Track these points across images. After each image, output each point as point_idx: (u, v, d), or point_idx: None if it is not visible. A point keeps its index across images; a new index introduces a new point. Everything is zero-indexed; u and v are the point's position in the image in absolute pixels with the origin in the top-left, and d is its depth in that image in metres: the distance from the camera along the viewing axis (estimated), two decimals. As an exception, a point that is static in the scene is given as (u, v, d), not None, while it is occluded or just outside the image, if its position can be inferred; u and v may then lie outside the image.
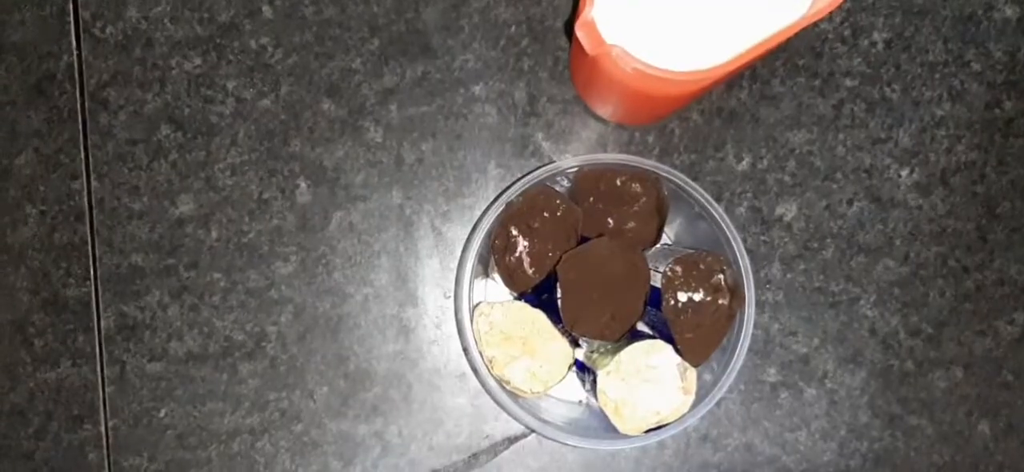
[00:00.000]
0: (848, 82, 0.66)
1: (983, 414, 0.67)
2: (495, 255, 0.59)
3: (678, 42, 0.52)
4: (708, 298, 0.57)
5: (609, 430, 0.58)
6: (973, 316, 0.66)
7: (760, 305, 0.66)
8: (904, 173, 0.66)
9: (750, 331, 0.57)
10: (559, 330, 0.58)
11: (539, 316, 0.58)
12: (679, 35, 0.52)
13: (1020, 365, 0.66)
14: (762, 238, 0.66)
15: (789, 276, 0.66)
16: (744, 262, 0.57)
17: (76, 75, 0.66)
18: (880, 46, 0.66)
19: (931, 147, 0.66)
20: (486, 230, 0.58)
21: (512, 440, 0.66)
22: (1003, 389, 0.67)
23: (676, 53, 0.51)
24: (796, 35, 0.49)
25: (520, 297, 0.60)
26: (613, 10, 0.52)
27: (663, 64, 0.51)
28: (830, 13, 0.49)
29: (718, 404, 0.58)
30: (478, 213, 0.66)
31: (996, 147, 0.66)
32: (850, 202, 0.66)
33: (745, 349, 0.57)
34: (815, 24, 0.65)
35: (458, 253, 0.66)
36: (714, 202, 0.58)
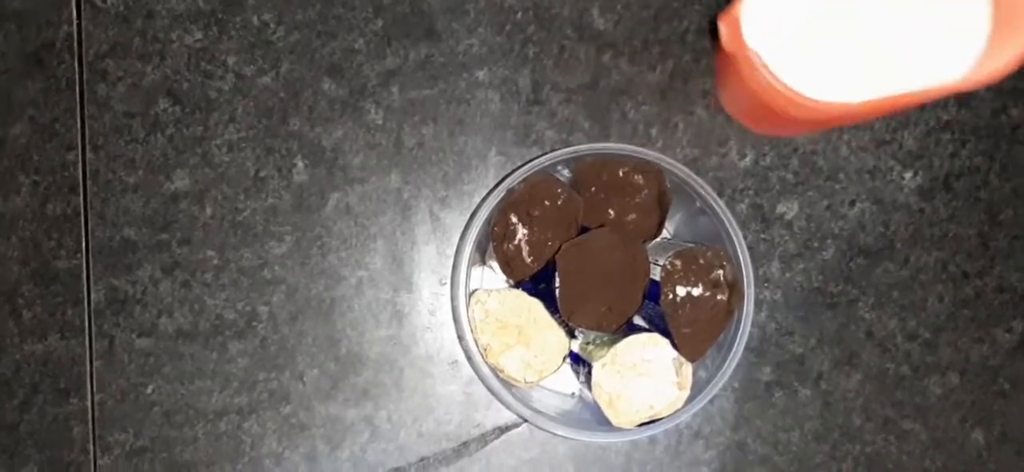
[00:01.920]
0: None
1: (978, 421, 0.66)
2: (494, 242, 0.59)
3: (822, 67, 0.50)
4: (707, 294, 0.57)
5: (601, 423, 0.58)
6: (971, 322, 0.66)
7: (758, 303, 0.65)
8: (907, 176, 0.66)
9: (748, 329, 0.57)
10: (556, 320, 0.58)
11: (536, 305, 0.57)
12: (825, 60, 0.50)
13: (1017, 373, 0.66)
14: (762, 236, 0.66)
15: (788, 275, 0.66)
16: (745, 259, 0.57)
17: (75, 45, 0.65)
18: (887, 47, 0.65)
19: (935, 151, 0.66)
20: (485, 216, 0.58)
21: (503, 430, 0.66)
22: (999, 397, 0.66)
23: (816, 77, 0.50)
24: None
25: (517, 285, 0.59)
26: (763, 14, 0.50)
27: (799, 85, 0.49)
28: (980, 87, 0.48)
29: (711, 401, 0.58)
30: (477, 200, 0.65)
31: (1001, 153, 0.66)
32: (852, 203, 0.66)
33: (742, 347, 0.57)
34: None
35: (455, 240, 0.66)
36: (717, 197, 0.57)
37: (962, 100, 0.65)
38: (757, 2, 0.50)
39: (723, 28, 0.50)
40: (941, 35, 0.49)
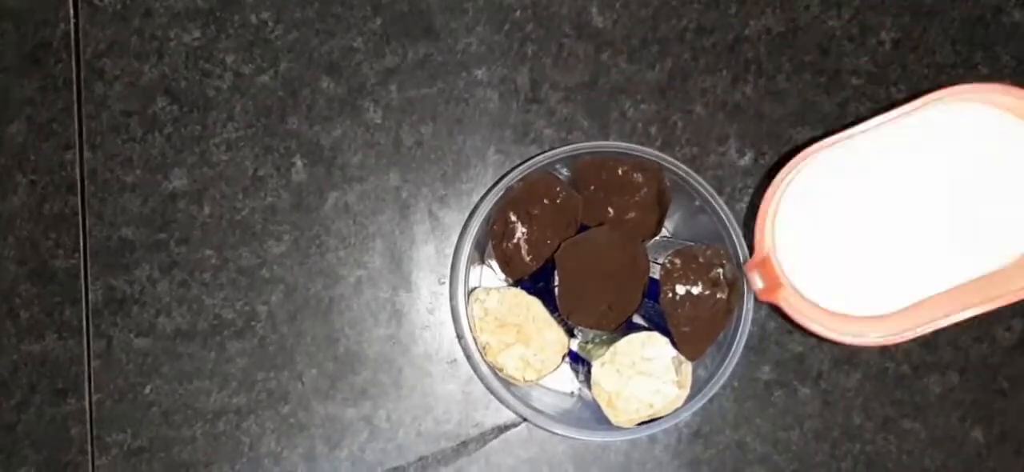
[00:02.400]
0: (854, 81, 0.65)
1: (977, 420, 0.66)
2: (493, 241, 0.59)
3: (862, 288, 0.51)
4: (706, 292, 0.56)
5: (600, 422, 0.58)
6: (970, 321, 0.65)
7: (757, 302, 0.65)
8: (906, 175, 0.65)
9: (747, 328, 0.57)
10: (555, 319, 0.58)
11: (535, 303, 0.57)
12: (866, 283, 0.51)
13: (1016, 372, 0.66)
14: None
15: (787, 274, 0.66)
16: (744, 257, 0.56)
17: (72, 44, 0.65)
18: (888, 46, 0.65)
19: (934, 150, 0.66)
20: (484, 215, 0.57)
21: (502, 429, 0.66)
22: (998, 396, 0.66)
23: (855, 297, 0.51)
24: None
25: (516, 284, 0.59)
26: (794, 245, 0.51)
27: (839, 305, 0.50)
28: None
29: (711, 400, 0.58)
30: (476, 199, 0.65)
31: (999, 152, 0.66)
32: (851, 202, 0.65)
33: (742, 345, 0.57)
34: (823, 22, 0.65)
35: (454, 239, 0.65)
36: (716, 195, 0.57)
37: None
38: (787, 240, 0.51)
39: (753, 276, 0.51)
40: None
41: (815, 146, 0.49)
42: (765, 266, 0.52)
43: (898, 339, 0.49)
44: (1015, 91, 0.45)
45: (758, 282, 0.52)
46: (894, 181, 0.49)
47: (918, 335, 0.49)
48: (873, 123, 0.48)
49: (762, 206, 0.51)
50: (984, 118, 0.47)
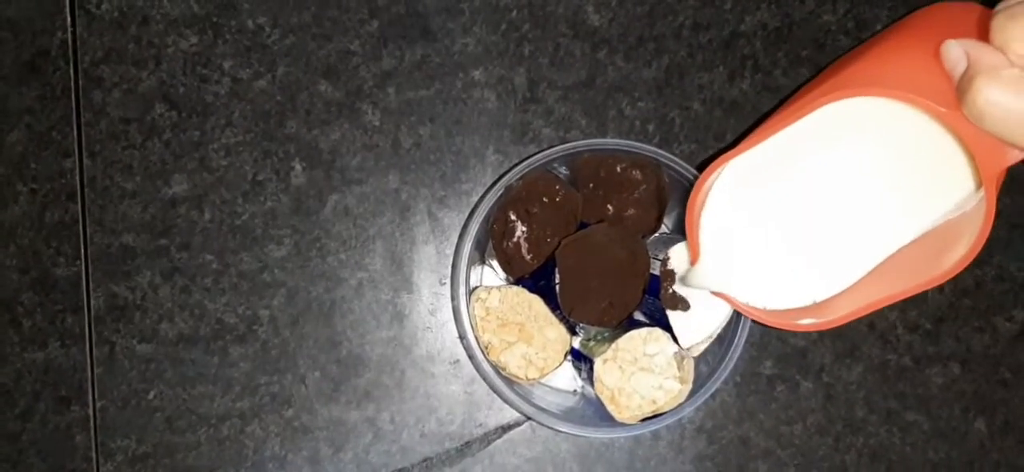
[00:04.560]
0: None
1: (980, 411, 0.66)
2: (493, 240, 0.59)
3: (790, 281, 0.52)
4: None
5: (603, 420, 0.58)
6: (972, 312, 0.66)
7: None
8: (905, 167, 0.66)
9: (748, 323, 0.57)
10: (556, 316, 0.58)
11: (536, 302, 0.57)
12: (788, 274, 0.52)
13: (1018, 362, 0.66)
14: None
15: (788, 269, 0.66)
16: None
17: (70, 52, 0.65)
18: (883, 39, 0.66)
19: (932, 141, 0.66)
20: (484, 215, 0.58)
21: (505, 429, 0.66)
22: (1001, 386, 0.66)
23: (788, 291, 0.52)
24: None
25: (517, 283, 0.59)
26: (719, 256, 0.52)
27: (783, 298, 0.52)
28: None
29: (713, 396, 0.58)
30: (475, 199, 0.65)
31: (997, 143, 0.66)
32: (850, 195, 0.66)
33: (743, 341, 0.57)
34: (819, 16, 0.65)
35: (454, 239, 0.66)
36: (715, 190, 0.57)
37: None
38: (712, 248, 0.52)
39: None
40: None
41: (728, 154, 0.50)
42: (702, 266, 0.53)
43: (831, 324, 0.50)
44: (901, 86, 0.46)
45: (702, 282, 0.53)
46: (812, 171, 0.50)
47: (850, 319, 0.50)
48: (782, 122, 0.48)
49: (688, 212, 0.52)
50: (886, 106, 0.47)
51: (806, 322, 0.51)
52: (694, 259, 0.53)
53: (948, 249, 0.47)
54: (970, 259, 0.45)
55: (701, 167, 0.52)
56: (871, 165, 0.49)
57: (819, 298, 0.51)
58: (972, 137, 0.42)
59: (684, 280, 0.55)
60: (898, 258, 0.50)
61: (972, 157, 0.44)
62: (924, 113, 0.45)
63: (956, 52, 0.42)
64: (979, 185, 0.46)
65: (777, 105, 0.65)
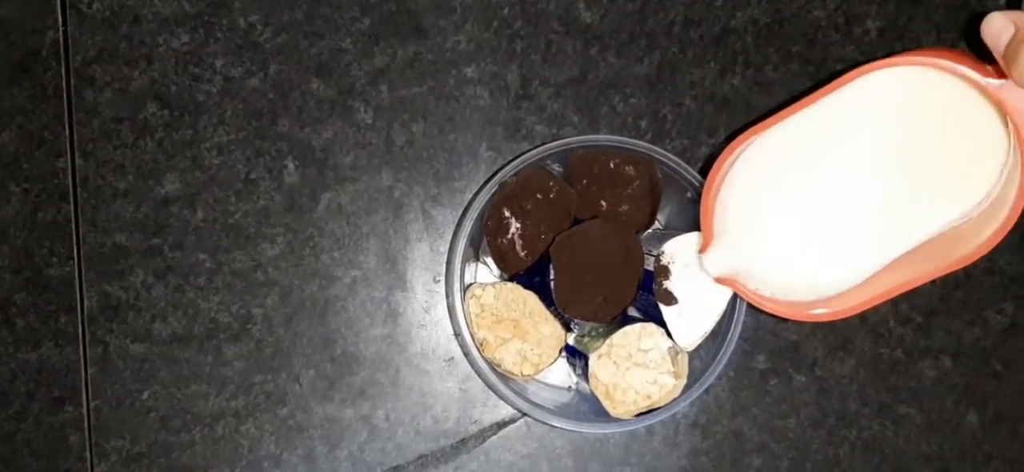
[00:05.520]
0: (841, 70, 0.66)
1: (972, 403, 0.67)
2: (487, 237, 0.59)
3: (806, 270, 0.52)
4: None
5: (598, 415, 0.58)
6: (963, 305, 0.66)
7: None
8: (896, 161, 0.66)
9: (742, 318, 0.57)
10: (551, 312, 0.58)
11: (531, 298, 0.58)
12: (806, 265, 0.52)
13: (1009, 355, 0.67)
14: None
15: (780, 263, 0.66)
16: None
17: (61, 51, 0.65)
18: (873, 34, 0.66)
19: (923, 136, 0.66)
20: (478, 212, 0.58)
21: (500, 425, 0.66)
22: (992, 379, 0.67)
23: (807, 277, 0.52)
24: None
25: (512, 279, 0.59)
26: (733, 241, 0.52)
27: (791, 281, 0.51)
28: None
29: (707, 391, 0.58)
30: (469, 196, 0.65)
31: (987, 136, 0.66)
32: (842, 190, 0.66)
33: (737, 335, 0.57)
34: (809, 11, 0.65)
35: (448, 237, 0.66)
36: (708, 186, 0.57)
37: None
38: (739, 224, 0.52)
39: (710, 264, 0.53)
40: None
41: (751, 130, 0.49)
42: (715, 250, 0.53)
43: (845, 313, 0.50)
44: (941, 57, 0.46)
45: (713, 268, 0.53)
46: (837, 160, 0.50)
47: (866, 308, 0.50)
48: (807, 102, 0.48)
49: (704, 192, 0.52)
50: (916, 86, 0.47)
51: (819, 312, 0.51)
52: (707, 244, 0.52)
53: (966, 237, 0.47)
54: (1006, 231, 0.45)
55: (724, 144, 0.51)
56: (897, 157, 0.49)
57: (835, 290, 0.51)
58: (1017, 106, 0.42)
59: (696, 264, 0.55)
60: (913, 250, 0.50)
61: (1015, 128, 0.44)
62: (963, 90, 0.45)
63: (1000, 22, 0.42)
64: (1000, 178, 0.46)
65: (768, 98, 0.66)
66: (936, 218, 0.49)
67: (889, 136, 0.48)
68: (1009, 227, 0.45)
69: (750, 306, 0.54)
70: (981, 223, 0.47)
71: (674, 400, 0.57)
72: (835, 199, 0.50)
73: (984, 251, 0.46)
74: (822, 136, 0.49)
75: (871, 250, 0.50)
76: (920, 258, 0.49)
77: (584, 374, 0.58)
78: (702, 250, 0.53)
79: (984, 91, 0.44)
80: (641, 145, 0.58)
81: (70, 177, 0.65)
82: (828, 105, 0.48)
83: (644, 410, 0.57)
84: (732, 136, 0.51)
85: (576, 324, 0.61)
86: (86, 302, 0.65)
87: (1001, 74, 0.44)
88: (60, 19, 0.65)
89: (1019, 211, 0.44)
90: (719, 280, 0.53)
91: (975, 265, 0.65)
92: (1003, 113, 0.45)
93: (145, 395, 0.65)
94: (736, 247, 0.52)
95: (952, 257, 0.47)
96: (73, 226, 0.65)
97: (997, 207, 0.46)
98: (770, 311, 0.52)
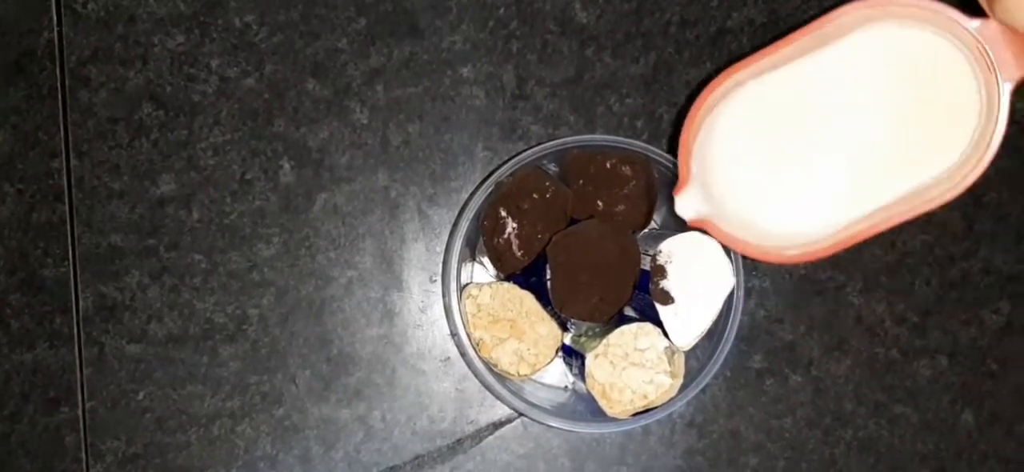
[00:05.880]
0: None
1: (967, 403, 0.67)
2: (483, 237, 0.59)
3: (782, 206, 0.52)
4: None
5: (595, 415, 0.58)
6: (958, 305, 0.67)
7: (747, 292, 0.65)
8: (891, 161, 0.66)
9: (738, 318, 0.57)
10: (548, 312, 0.58)
11: (527, 298, 0.58)
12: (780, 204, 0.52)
13: (1004, 354, 0.67)
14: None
15: (776, 263, 0.66)
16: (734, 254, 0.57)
17: (56, 51, 0.65)
18: (869, 33, 0.66)
19: (918, 135, 0.66)
20: (474, 212, 0.58)
21: (497, 425, 0.66)
22: (987, 378, 0.67)
23: (784, 222, 0.52)
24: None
25: (508, 279, 0.59)
26: (709, 183, 0.52)
27: (764, 228, 0.52)
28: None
29: (704, 391, 0.58)
30: (465, 196, 0.65)
31: (983, 136, 0.66)
32: (837, 189, 0.66)
33: (733, 335, 0.57)
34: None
35: (444, 237, 0.66)
36: (704, 185, 0.57)
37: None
38: (719, 167, 0.52)
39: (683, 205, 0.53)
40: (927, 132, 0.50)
41: (732, 68, 0.50)
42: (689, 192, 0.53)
43: (816, 254, 0.51)
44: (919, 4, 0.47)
45: (686, 209, 0.53)
46: (817, 106, 0.51)
47: (836, 250, 0.50)
48: (792, 42, 0.49)
49: (683, 131, 0.52)
50: (897, 37, 0.48)
51: (791, 253, 0.51)
52: (682, 184, 0.53)
53: (937, 190, 0.48)
54: (979, 172, 0.47)
55: (701, 86, 0.52)
56: (877, 115, 0.50)
57: (810, 237, 0.51)
58: (996, 41, 0.44)
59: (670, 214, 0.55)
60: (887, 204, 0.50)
61: (993, 68, 0.45)
62: (944, 49, 0.47)
63: None
64: (971, 141, 0.48)
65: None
66: (911, 178, 0.49)
67: (871, 95, 0.50)
68: (975, 177, 0.46)
69: (743, 309, 0.55)
70: (954, 179, 0.48)
71: (671, 400, 0.57)
72: (814, 153, 0.51)
73: (949, 198, 0.47)
74: (806, 90, 0.50)
75: (845, 204, 0.51)
76: (891, 208, 0.50)
77: (581, 374, 0.58)
78: (677, 191, 0.53)
79: (964, 39, 0.45)
80: (637, 145, 0.58)
81: (65, 177, 0.65)
82: (815, 60, 0.49)
83: (641, 410, 0.57)
84: (712, 76, 0.51)
85: (573, 324, 0.61)
86: (81, 303, 0.65)
87: (982, 17, 0.46)
88: (55, 19, 0.65)
89: (986, 166, 0.46)
90: (693, 223, 0.53)
91: (971, 265, 0.65)
92: (980, 65, 0.46)
93: (141, 396, 0.65)
94: (710, 191, 0.52)
95: (919, 203, 0.48)
96: (68, 227, 0.65)
97: (968, 166, 0.48)
98: (742, 252, 0.52)
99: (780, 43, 0.49)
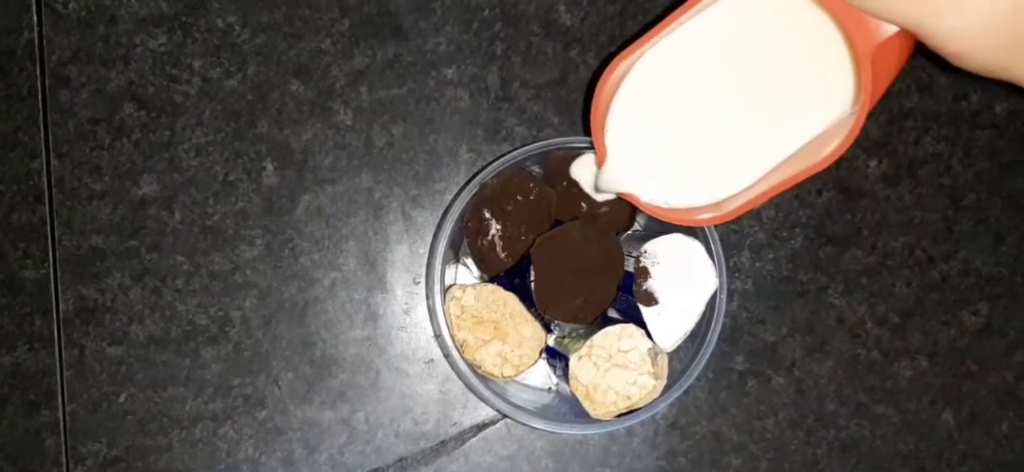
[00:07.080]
0: None
1: (947, 403, 0.67)
2: (467, 238, 0.59)
3: (697, 176, 0.53)
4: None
5: (578, 416, 0.58)
6: (938, 306, 0.67)
7: (729, 293, 0.66)
8: (872, 164, 0.66)
9: (721, 319, 0.57)
10: (531, 314, 0.58)
11: (511, 299, 0.58)
12: (696, 171, 0.53)
13: (984, 355, 0.67)
14: (732, 226, 0.66)
15: (758, 264, 0.66)
16: (716, 249, 0.57)
17: (36, 51, 0.64)
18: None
19: (899, 138, 0.67)
20: (458, 214, 0.58)
21: (480, 427, 0.66)
22: (967, 379, 0.67)
23: (697, 184, 0.53)
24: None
25: (492, 281, 0.59)
26: (629, 158, 0.53)
27: (685, 197, 0.52)
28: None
29: (686, 392, 0.58)
30: (449, 198, 0.65)
31: (962, 139, 0.67)
32: (819, 192, 0.66)
33: (715, 336, 0.57)
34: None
35: (428, 238, 0.66)
36: (687, 187, 0.57)
37: (923, 87, 0.66)
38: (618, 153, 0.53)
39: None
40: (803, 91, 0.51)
41: (626, 51, 0.51)
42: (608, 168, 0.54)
43: (727, 216, 0.51)
44: None
45: (607, 184, 0.54)
46: (711, 72, 0.51)
47: (744, 211, 0.51)
48: (676, 18, 0.50)
49: (592, 113, 0.53)
50: (775, 6, 0.49)
51: (705, 216, 0.52)
52: (601, 161, 0.53)
53: (830, 142, 0.48)
54: (849, 142, 0.46)
55: (603, 65, 0.53)
56: (760, 73, 0.50)
57: (719, 196, 0.52)
58: (848, 15, 0.44)
59: (596, 186, 0.56)
60: (789, 157, 0.51)
61: (849, 39, 0.46)
62: (813, 10, 0.47)
63: None
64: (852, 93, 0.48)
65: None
66: (803, 131, 0.50)
67: (752, 54, 0.50)
68: (856, 133, 0.46)
69: (727, 307, 0.55)
70: (841, 129, 0.49)
71: (654, 401, 0.57)
72: (710, 115, 0.52)
73: (834, 158, 0.47)
74: (694, 55, 0.51)
75: (749, 161, 0.51)
76: (795, 161, 0.50)
77: (564, 375, 0.58)
78: (598, 167, 0.54)
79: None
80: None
81: (45, 178, 0.64)
82: (696, 25, 0.49)
83: (624, 411, 0.57)
84: (611, 57, 0.52)
85: (556, 325, 0.61)
86: (62, 305, 0.64)
87: None
88: (35, 19, 0.64)
89: (863, 117, 0.46)
90: (621, 196, 0.54)
91: (950, 267, 0.66)
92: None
93: (122, 398, 0.65)
94: (627, 164, 0.53)
95: (817, 158, 0.49)
96: (48, 228, 0.64)
97: (852, 118, 0.48)
98: (663, 218, 0.53)
99: (672, 14, 0.50)
